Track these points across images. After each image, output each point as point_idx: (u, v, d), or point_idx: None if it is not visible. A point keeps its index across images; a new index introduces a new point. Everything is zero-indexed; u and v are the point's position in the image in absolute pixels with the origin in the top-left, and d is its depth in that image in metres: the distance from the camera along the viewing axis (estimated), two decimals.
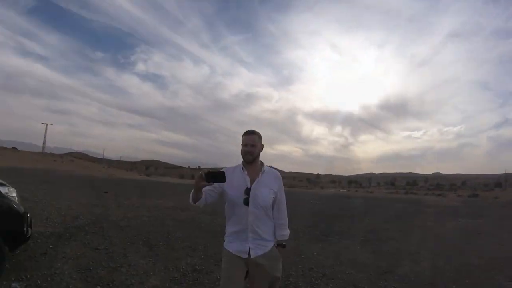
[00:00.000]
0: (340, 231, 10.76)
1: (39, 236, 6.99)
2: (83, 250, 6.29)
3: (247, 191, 2.70)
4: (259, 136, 2.83)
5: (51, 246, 6.34)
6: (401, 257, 7.64)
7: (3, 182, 5.09)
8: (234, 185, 2.72)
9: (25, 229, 4.85)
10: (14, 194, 5.01)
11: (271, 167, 2.95)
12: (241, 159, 2.86)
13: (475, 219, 16.67)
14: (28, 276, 4.77)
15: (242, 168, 2.80)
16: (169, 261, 6.11)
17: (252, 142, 2.75)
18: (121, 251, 6.52)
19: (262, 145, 2.86)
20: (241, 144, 2.79)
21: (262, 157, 2.93)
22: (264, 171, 2.81)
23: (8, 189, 4.95)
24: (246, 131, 2.82)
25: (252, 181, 2.74)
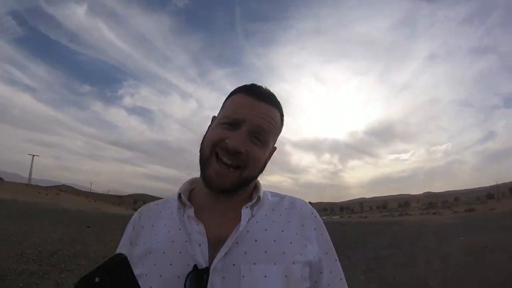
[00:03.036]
0: (340, 261, 10.09)
1: (10, 273, 6.39)
2: None
3: (197, 282, 0.80)
4: (281, 113, 1.01)
5: (21, 285, 5.74)
6: (408, 284, 7.08)
7: None
8: (160, 260, 0.86)
9: None
10: None
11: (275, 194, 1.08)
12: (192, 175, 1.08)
13: (477, 233, 16.23)
14: None
15: (181, 205, 0.95)
16: None
17: (262, 120, 0.93)
18: None
19: (275, 147, 1.04)
20: (215, 123, 0.98)
21: None
22: (260, 198, 0.97)
23: None
24: (250, 87, 0.98)
25: (216, 243, 0.85)
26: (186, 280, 0.78)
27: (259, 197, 0.95)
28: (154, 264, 0.85)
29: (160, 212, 1.00)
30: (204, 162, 0.92)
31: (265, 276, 0.81)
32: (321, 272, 0.92)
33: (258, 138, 0.92)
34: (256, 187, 1.02)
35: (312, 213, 1.00)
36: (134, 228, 0.99)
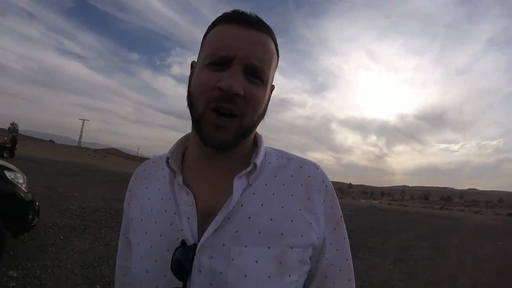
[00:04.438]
0: (371, 247, 10.00)
1: (53, 226, 6.77)
2: (93, 245, 6.00)
3: (184, 258, 0.72)
4: (274, 42, 0.82)
5: (61, 237, 6.11)
6: (437, 281, 6.92)
7: (11, 167, 4.84)
8: (151, 230, 0.81)
9: (30, 216, 4.66)
10: (21, 180, 4.74)
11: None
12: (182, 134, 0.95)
13: None
14: (29, 265, 4.54)
15: (171, 170, 0.83)
16: None
17: (255, 51, 0.75)
18: None
19: (273, 85, 0.86)
20: (198, 67, 0.79)
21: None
22: (258, 167, 0.80)
23: (15, 174, 4.68)
24: (234, 15, 0.79)
25: (206, 216, 0.77)
26: (173, 256, 0.73)
27: (255, 165, 0.79)
28: (146, 233, 0.81)
29: (155, 171, 0.91)
30: (198, 118, 0.76)
31: (256, 262, 0.72)
32: (323, 253, 0.82)
33: (256, 75, 0.75)
34: (256, 145, 0.87)
35: (323, 181, 0.84)
36: (130, 191, 0.94)
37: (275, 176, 0.82)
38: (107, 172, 30.70)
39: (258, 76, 0.75)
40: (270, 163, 0.85)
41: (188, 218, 0.76)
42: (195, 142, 0.84)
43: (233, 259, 0.71)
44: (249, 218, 0.75)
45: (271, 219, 0.75)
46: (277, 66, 0.84)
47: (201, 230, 0.75)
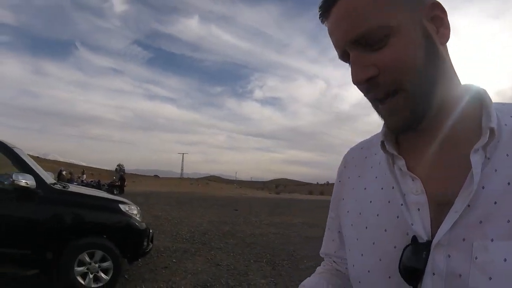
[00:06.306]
0: None
1: (165, 250, 7.15)
2: (205, 266, 6.16)
3: (415, 257, 0.58)
4: None
5: (174, 260, 6.39)
6: None
7: (125, 200, 5.26)
8: (373, 224, 0.69)
9: (144, 243, 4.97)
10: (135, 211, 5.11)
11: None
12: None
13: None
14: (144, 287, 4.79)
15: (388, 153, 0.69)
16: (291, 281, 5.56)
17: (347, 24, 0.60)
18: (243, 268, 6.22)
19: (433, 3, 0.61)
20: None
21: None
22: (495, 132, 0.57)
23: (129, 206, 5.07)
24: (320, 5, 0.65)
25: (439, 205, 0.59)
26: (402, 254, 0.59)
27: (492, 131, 0.57)
28: (366, 228, 0.69)
29: (366, 157, 0.79)
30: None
31: (505, 260, 0.51)
32: None
33: (370, 41, 0.59)
34: (480, 101, 0.64)
35: None
36: (340, 181, 0.84)
37: None
38: (210, 197, 32.12)
39: (372, 39, 0.59)
40: (506, 124, 0.61)
41: (418, 209, 0.61)
42: None
43: (476, 258, 0.53)
44: (495, 203, 0.55)
45: None
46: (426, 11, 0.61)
47: (435, 222, 0.58)
